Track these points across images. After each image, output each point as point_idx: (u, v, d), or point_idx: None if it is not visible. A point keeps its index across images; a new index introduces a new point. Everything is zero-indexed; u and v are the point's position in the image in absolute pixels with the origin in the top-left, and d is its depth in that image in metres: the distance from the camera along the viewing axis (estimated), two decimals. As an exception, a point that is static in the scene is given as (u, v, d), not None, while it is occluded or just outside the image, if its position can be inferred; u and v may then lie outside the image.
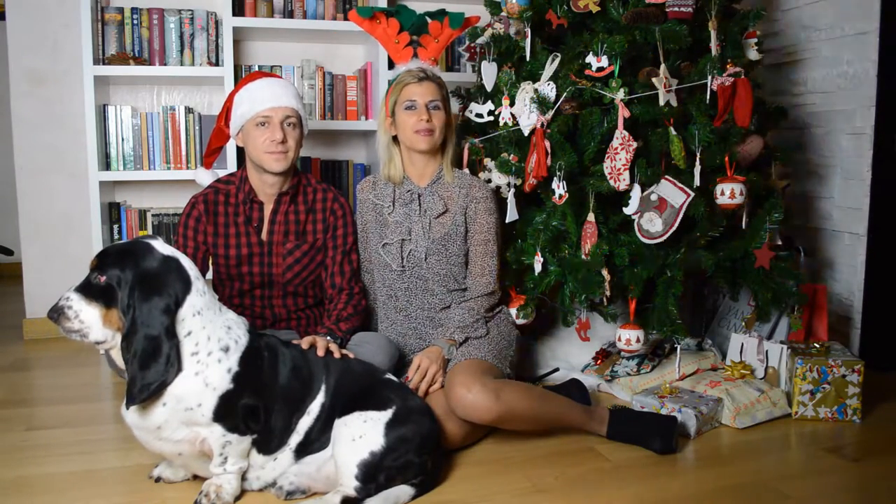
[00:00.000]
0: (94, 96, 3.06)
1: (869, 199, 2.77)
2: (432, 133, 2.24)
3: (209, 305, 1.66)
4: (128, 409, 1.59)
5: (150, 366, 1.54)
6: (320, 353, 1.84)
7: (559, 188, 2.31)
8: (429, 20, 2.46)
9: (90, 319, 1.57)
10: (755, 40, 2.49)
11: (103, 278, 1.57)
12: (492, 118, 2.60)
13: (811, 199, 3.04)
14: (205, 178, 2.61)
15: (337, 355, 1.86)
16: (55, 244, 3.33)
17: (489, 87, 2.60)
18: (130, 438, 1.74)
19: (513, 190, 2.44)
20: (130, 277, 1.56)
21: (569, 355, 2.71)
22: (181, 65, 3.21)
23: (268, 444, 1.70)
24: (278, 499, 1.71)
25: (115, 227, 3.24)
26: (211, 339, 1.63)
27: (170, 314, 1.57)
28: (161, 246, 1.64)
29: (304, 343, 1.85)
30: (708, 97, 2.28)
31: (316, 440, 1.74)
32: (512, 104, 2.47)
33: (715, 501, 1.75)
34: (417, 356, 2.13)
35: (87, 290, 1.58)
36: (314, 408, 1.75)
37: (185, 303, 1.60)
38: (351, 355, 1.92)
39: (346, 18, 3.35)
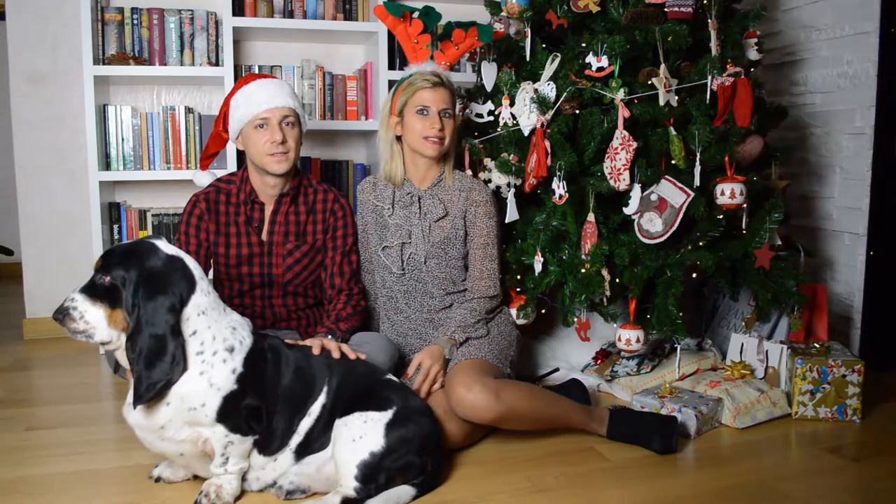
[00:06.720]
0: (94, 96, 3.06)
1: (869, 199, 2.77)
2: (442, 141, 2.22)
3: (214, 305, 1.66)
4: (135, 408, 1.59)
5: (155, 365, 1.54)
6: (335, 354, 1.84)
7: (559, 188, 2.31)
8: (455, 28, 2.42)
9: (95, 320, 1.57)
10: (755, 40, 2.50)
11: (108, 278, 1.56)
12: (492, 118, 2.60)
13: (811, 199, 3.04)
14: (203, 179, 2.60)
15: (351, 356, 1.86)
16: (55, 244, 3.33)
17: (489, 87, 2.60)
18: (130, 438, 1.74)
19: (513, 190, 2.44)
20: (135, 277, 1.56)
21: (569, 355, 2.71)
22: (181, 65, 3.21)
23: (269, 445, 1.70)
24: (278, 499, 1.71)
25: (115, 227, 3.24)
26: (216, 339, 1.63)
27: (175, 313, 1.57)
28: (165, 246, 1.64)
29: (315, 349, 1.84)
30: (708, 97, 2.28)
31: (316, 440, 1.74)
32: (512, 104, 2.47)
33: (715, 501, 1.75)
34: (418, 355, 2.13)
35: (92, 290, 1.58)
36: (315, 409, 1.75)
37: (190, 302, 1.60)
38: (362, 356, 1.91)
39: (346, 18, 3.35)
